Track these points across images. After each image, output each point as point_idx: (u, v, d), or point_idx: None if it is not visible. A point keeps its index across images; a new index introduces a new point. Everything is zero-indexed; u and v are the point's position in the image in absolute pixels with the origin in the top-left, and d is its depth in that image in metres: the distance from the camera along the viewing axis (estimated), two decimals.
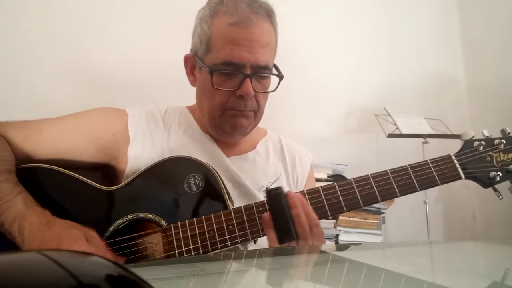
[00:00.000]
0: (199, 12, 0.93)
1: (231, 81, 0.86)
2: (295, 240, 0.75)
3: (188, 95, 1.02)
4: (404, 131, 1.95)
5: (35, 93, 1.56)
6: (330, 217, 0.92)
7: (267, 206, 0.77)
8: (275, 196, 0.76)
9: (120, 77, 1.69)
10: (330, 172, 1.92)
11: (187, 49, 0.98)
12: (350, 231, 1.81)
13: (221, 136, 0.95)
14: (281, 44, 0.95)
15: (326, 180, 1.84)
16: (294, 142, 1.08)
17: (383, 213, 1.87)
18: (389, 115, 2.02)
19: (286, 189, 0.96)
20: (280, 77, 0.91)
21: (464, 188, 2.27)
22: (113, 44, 1.71)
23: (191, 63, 0.95)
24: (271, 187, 0.79)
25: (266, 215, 0.76)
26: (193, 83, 0.97)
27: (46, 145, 0.86)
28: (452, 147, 0.86)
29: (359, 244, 1.69)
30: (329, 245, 0.97)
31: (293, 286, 0.48)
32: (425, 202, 1.96)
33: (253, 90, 0.86)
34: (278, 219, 0.75)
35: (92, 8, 1.69)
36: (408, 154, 2.10)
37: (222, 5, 0.86)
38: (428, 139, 1.99)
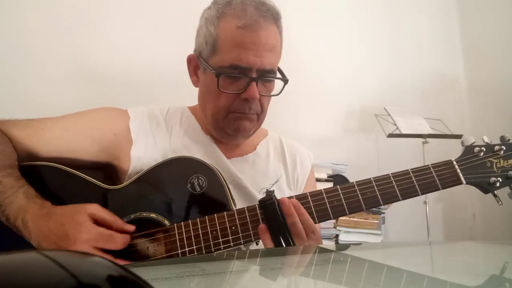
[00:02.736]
0: (205, 12, 0.92)
1: (236, 84, 0.86)
2: None
3: (189, 95, 1.02)
4: (404, 131, 1.95)
5: (35, 93, 1.56)
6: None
7: (260, 216, 0.77)
8: (268, 205, 0.76)
9: (120, 77, 1.69)
10: (330, 172, 1.92)
11: (188, 49, 0.98)
12: (350, 231, 1.81)
13: (223, 138, 0.95)
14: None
15: (326, 180, 1.84)
16: (295, 142, 1.08)
17: (383, 213, 1.87)
18: (389, 115, 2.02)
19: (285, 192, 0.96)
20: (285, 81, 0.91)
21: (464, 189, 2.27)
22: (113, 44, 1.71)
23: (195, 64, 0.94)
24: (263, 197, 0.79)
25: (262, 226, 0.76)
26: (196, 83, 0.96)
27: (48, 144, 0.87)
28: (452, 147, 0.86)
29: (359, 244, 1.69)
30: (329, 245, 0.97)
31: (294, 286, 0.48)
32: (425, 202, 1.96)
33: (258, 93, 0.86)
34: (273, 229, 0.75)
35: (92, 8, 1.68)
36: (408, 154, 2.11)
37: (230, 7, 0.86)
38: (428, 139, 1.99)
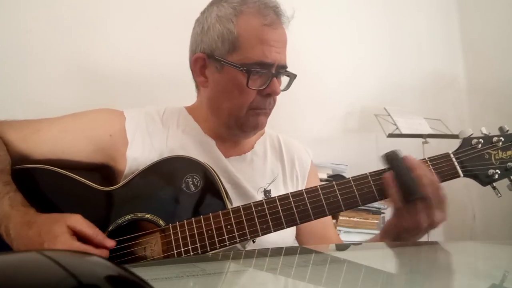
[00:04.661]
0: (211, 11, 0.92)
1: (259, 80, 0.88)
2: (421, 201, 0.76)
3: (189, 95, 1.02)
4: (404, 131, 1.95)
5: (35, 93, 1.56)
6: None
7: (387, 167, 0.79)
8: (395, 157, 0.79)
9: (120, 77, 1.69)
10: (330, 172, 1.92)
11: (188, 49, 0.97)
12: (350, 231, 1.80)
13: (233, 136, 0.96)
14: None
15: (326, 180, 1.84)
16: (293, 140, 1.08)
17: (383, 213, 1.87)
18: (389, 115, 2.02)
19: (282, 191, 0.96)
20: (294, 76, 0.96)
21: (464, 188, 2.27)
22: (113, 44, 1.71)
23: (201, 63, 0.93)
24: (388, 152, 0.80)
25: (388, 175, 0.78)
26: (203, 84, 0.95)
27: (44, 145, 0.86)
28: (452, 147, 0.86)
29: (359, 244, 1.69)
30: (328, 245, 0.97)
31: (292, 286, 0.48)
32: None
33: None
34: (401, 178, 0.76)
35: (92, 8, 1.68)
36: (408, 154, 2.10)
37: (246, 5, 0.88)
38: (428, 139, 1.99)
